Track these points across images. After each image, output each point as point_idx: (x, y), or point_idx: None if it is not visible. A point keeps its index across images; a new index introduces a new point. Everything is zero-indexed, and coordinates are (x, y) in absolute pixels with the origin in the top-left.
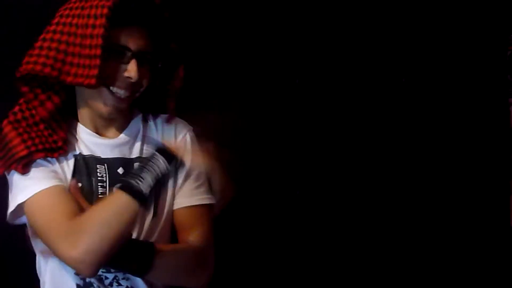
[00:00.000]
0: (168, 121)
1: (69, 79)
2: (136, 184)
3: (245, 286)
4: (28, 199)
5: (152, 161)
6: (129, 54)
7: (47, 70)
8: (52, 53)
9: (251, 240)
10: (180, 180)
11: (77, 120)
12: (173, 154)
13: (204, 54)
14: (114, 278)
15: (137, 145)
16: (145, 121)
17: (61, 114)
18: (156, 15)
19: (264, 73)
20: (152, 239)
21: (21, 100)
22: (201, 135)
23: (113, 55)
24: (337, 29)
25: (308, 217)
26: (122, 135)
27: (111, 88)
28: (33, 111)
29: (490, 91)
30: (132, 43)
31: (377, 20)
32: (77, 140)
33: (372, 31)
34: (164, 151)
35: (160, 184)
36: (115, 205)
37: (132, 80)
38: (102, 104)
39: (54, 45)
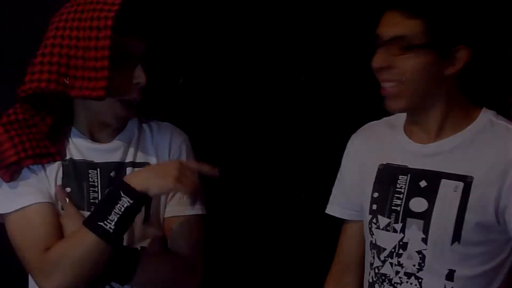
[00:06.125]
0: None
1: (74, 92)
2: (104, 225)
3: None
4: (6, 213)
5: (120, 203)
6: (134, 60)
7: (53, 86)
8: (54, 68)
9: (255, 243)
10: None
11: (72, 125)
12: (140, 194)
13: (207, 51)
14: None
15: (131, 150)
16: (140, 125)
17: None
18: (155, 21)
19: (269, 70)
20: (145, 245)
21: (17, 105)
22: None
23: (118, 64)
24: (342, 25)
25: (313, 221)
26: (116, 140)
27: (122, 97)
28: (27, 115)
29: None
30: (135, 48)
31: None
32: (69, 145)
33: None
34: (130, 191)
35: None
36: (85, 245)
37: (142, 85)
38: (113, 114)
39: (55, 59)
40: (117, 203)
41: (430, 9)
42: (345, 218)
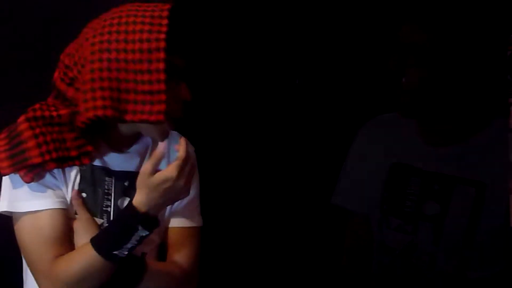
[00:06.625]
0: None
1: (129, 117)
2: (119, 254)
3: (244, 286)
4: (19, 212)
5: (136, 233)
6: (178, 77)
7: (110, 112)
8: (107, 93)
9: (250, 239)
10: None
11: (96, 131)
12: (156, 223)
13: (203, 54)
14: None
15: (146, 159)
16: None
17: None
18: (194, 37)
19: (264, 74)
20: (146, 251)
21: (43, 101)
22: None
23: (167, 84)
24: (337, 29)
25: (308, 217)
26: (132, 149)
27: (175, 116)
28: (54, 113)
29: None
30: (179, 66)
31: (377, 20)
32: (90, 150)
33: (374, 31)
34: (149, 224)
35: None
36: (95, 268)
37: (187, 102)
38: (161, 131)
39: (105, 84)
40: (133, 235)
41: (442, 23)
42: (352, 209)
